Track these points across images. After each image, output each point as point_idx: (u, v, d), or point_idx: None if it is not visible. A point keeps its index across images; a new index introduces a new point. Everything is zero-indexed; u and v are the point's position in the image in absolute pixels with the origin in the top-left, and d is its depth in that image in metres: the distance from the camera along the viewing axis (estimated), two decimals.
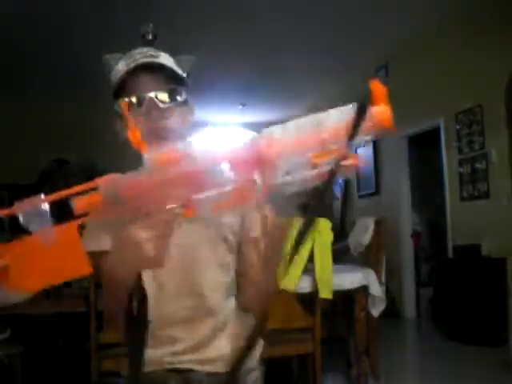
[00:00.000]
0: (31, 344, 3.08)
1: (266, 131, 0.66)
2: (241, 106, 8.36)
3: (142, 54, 1.08)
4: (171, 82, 1.09)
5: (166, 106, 1.07)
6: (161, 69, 1.07)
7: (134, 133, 0.89)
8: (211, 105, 8.25)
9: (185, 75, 1.14)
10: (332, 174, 0.66)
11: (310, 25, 5.30)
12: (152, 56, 1.09)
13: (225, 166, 0.66)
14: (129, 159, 1.10)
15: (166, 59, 1.12)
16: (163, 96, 1.06)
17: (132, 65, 1.06)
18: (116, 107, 1.08)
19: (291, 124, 0.65)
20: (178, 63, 1.15)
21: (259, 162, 0.66)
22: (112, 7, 4.69)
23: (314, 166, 0.66)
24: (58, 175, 7.14)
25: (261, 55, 6.09)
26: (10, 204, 0.71)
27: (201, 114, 8.86)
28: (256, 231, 1.14)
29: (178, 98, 1.09)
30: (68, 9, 4.70)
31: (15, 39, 5.30)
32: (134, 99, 1.05)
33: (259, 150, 0.66)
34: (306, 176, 0.67)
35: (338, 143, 0.65)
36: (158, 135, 1.05)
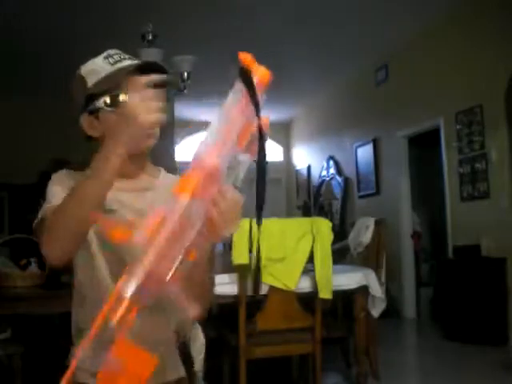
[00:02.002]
0: (31, 344, 3.08)
1: (201, 144, 0.72)
2: None
3: (122, 55, 1.10)
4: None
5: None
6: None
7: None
8: (211, 105, 8.25)
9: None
10: (260, 137, 0.77)
11: (310, 25, 5.30)
12: (131, 59, 1.10)
13: (184, 197, 0.69)
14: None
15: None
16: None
17: (122, 65, 1.07)
18: (100, 103, 1.06)
19: (212, 127, 0.73)
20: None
21: (211, 176, 0.71)
22: (112, 7, 4.69)
23: (244, 149, 0.75)
24: None
25: (261, 55, 6.07)
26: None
27: (201, 114, 8.87)
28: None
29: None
30: (68, 9, 4.70)
31: (15, 39, 5.30)
32: (125, 96, 1.03)
33: (206, 165, 0.70)
34: (244, 160, 0.76)
35: (249, 117, 0.74)
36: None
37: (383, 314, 3.30)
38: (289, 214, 9.36)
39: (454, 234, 5.16)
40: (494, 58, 4.52)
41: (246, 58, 0.77)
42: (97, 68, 1.09)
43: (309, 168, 8.99)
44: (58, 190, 1.08)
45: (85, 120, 1.12)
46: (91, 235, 1.08)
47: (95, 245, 1.09)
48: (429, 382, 3.63)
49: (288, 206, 9.85)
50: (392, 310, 5.31)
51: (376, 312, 3.23)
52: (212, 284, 1.17)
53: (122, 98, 1.03)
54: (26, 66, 6.07)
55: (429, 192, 6.19)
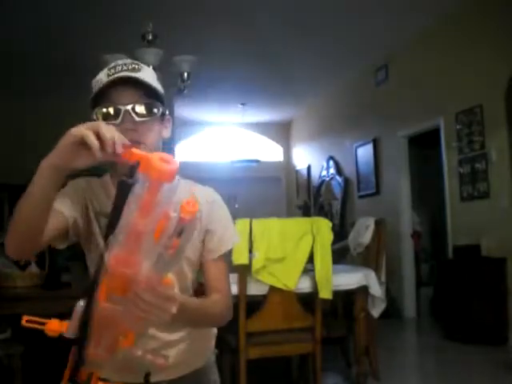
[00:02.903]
0: (31, 344, 3.08)
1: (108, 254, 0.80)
2: (241, 106, 8.37)
3: (125, 66, 1.11)
4: (149, 96, 1.10)
5: (142, 119, 1.09)
6: (140, 83, 1.09)
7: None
8: (211, 105, 8.26)
9: (162, 91, 1.15)
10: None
11: (310, 25, 5.30)
12: (134, 69, 1.10)
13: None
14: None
15: (148, 73, 1.13)
16: (140, 109, 1.08)
17: (112, 77, 1.08)
18: (93, 116, 1.09)
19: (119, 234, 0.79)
20: (159, 79, 1.17)
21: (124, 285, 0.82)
22: (112, 7, 4.69)
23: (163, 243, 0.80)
24: None
25: (261, 55, 6.09)
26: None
27: (201, 114, 8.87)
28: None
29: (155, 112, 1.11)
30: (68, 9, 4.70)
31: (15, 39, 5.30)
32: (111, 110, 1.08)
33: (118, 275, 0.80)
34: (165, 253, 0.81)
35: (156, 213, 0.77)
36: None
37: (383, 314, 3.30)
38: (289, 214, 9.36)
39: (454, 234, 5.15)
40: (494, 57, 4.52)
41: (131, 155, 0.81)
42: (98, 79, 1.11)
43: (309, 168, 8.99)
44: (60, 194, 1.12)
45: None
46: (99, 238, 1.13)
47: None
48: (429, 382, 3.63)
49: (288, 206, 9.86)
50: (392, 310, 5.31)
51: (376, 312, 3.23)
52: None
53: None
54: (26, 66, 6.07)
55: (429, 192, 6.19)
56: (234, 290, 2.68)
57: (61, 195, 1.09)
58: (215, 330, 1.34)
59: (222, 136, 9.75)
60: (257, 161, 8.69)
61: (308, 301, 2.87)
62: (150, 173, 0.74)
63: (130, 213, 0.76)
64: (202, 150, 9.67)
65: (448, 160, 5.22)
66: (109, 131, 0.87)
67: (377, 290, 3.13)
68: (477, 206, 4.79)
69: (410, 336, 5.51)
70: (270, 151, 10.03)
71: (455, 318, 4.56)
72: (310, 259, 2.85)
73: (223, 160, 9.31)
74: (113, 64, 1.12)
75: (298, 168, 9.51)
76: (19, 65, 6.04)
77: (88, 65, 5.10)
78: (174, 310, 0.85)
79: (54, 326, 0.94)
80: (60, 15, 4.81)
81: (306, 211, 8.74)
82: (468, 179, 4.88)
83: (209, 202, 1.21)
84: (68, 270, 3.22)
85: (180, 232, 0.80)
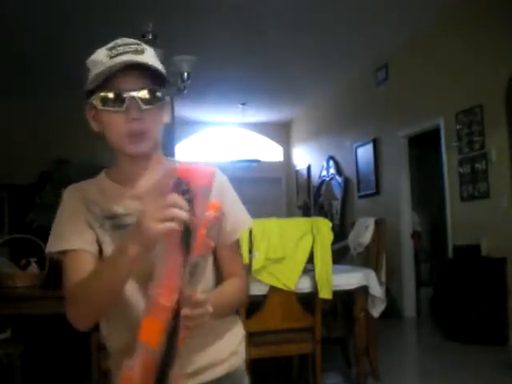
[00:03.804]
0: (31, 344, 3.08)
1: (152, 288, 0.87)
2: (241, 106, 8.36)
3: (127, 47, 1.02)
4: (154, 82, 1.03)
5: (148, 107, 1.02)
6: (145, 67, 1.01)
7: (115, 130, 1.02)
8: (211, 105, 8.26)
9: (165, 73, 1.06)
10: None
11: (310, 25, 5.30)
12: (137, 51, 1.02)
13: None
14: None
15: (150, 55, 1.05)
16: (145, 97, 1.01)
17: (115, 60, 0.99)
18: (91, 100, 1.03)
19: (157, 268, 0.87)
20: (161, 58, 1.10)
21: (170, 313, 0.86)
22: (112, 7, 4.69)
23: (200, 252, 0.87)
24: (58, 175, 7.15)
25: (261, 55, 6.09)
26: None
27: (201, 113, 8.87)
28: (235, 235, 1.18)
29: (160, 98, 1.04)
30: (68, 9, 4.70)
31: (15, 39, 5.30)
32: (113, 96, 1.00)
33: (163, 307, 0.85)
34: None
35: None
36: (133, 135, 1.02)
37: (383, 314, 3.30)
38: (289, 214, 9.36)
39: (454, 234, 5.15)
40: (494, 57, 4.52)
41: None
42: (97, 60, 1.02)
43: (309, 168, 8.99)
44: (63, 221, 1.08)
45: (87, 112, 1.07)
46: (109, 246, 1.09)
47: None
48: (429, 382, 3.63)
49: (288, 206, 9.85)
50: (392, 310, 5.31)
51: (376, 312, 3.23)
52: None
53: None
54: (26, 66, 6.07)
55: (429, 192, 6.18)
56: None
57: (70, 230, 1.05)
58: (240, 331, 1.22)
59: (222, 136, 9.75)
60: (257, 161, 8.69)
61: (308, 301, 2.87)
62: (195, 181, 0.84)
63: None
64: (202, 150, 9.67)
65: (448, 160, 5.22)
66: (176, 201, 0.84)
67: (377, 290, 3.13)
68: (477, 206, 4.79)
69: (410, 336, 5.51)
70: (269, 151, 10.02)
71: (455, 317, 4.56)
72: (310, 259, 2.85)
73: (223, 160, 9.31)
74: (112, 44, 1.04)
75: (298, 168, 9.50)
76: (19, 65, 6.04)
77: (88, 65, 5.06)
78: (210, 309, 0.89)
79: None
80: (60, 15, 4.81)
81: (306, 211, 8.74)
82: (468, 179, 4.88)
83: (219, 185, 1.09)
84: None
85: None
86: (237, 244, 1.19)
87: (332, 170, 7.93)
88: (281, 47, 5.89)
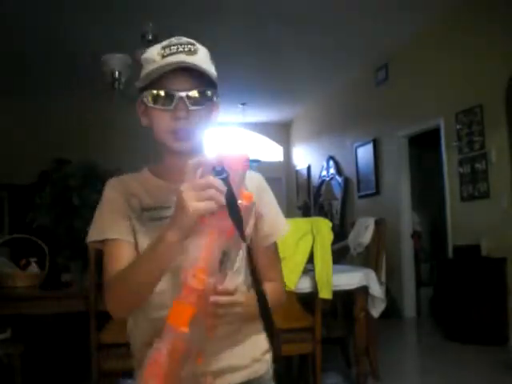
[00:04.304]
0: (31, 344, 3.08)
1: (184, 270, 0.85)
2: (241, 106, 8.36)
3: (181, 47, 1.05)
4: (204, 83, 1.05)
5: (196, 108, 1.04)
6: (197, 70, 1.03)
7: (162, 127, 1.05)
8: None
9: (216, 75, 1.09)
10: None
11: (310, 25, 5.30)
12: (190, 51, 1.05)
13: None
14: (129, 159, 1.10)
15: (203, 55, 1.08)
16: (194, 97, 1.03)
17: (167, 59, 1.02)
18: (142, 97, 1.06)
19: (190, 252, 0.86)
20: (212, 58, 1.11)
21: (202, 298, 0.85)
22: (112, 7, 4.69)
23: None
24: (58, 175, 7.14)
25: (261, 55, 6.09)
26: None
27: None
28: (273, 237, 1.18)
29: (208, 99, 1.06)
30: (68, 9, 4.70)
31: (15, 39, 5.30)
32: (164, 94, 1.03)
33: (195, 291, 0.83)
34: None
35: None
36: (178, 134, 1.04)
37: (383, 314, 3.30)
38: (289, 214, 9.29)
39: (454, 234, 5.15)
40: (494, 57, 4.52)
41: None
42: (150, 58, 1.05)
43: (309, 168, 8.99)
44: (102, 212, 1.10)
45: (137, 107, 1.11)
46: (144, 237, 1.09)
47: None
48: (429, 382, 3.63)
49: (288, 206, 9.85)
50: (392, 310, 5.31)
51: (376, 312, 3.23)
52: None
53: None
54: (26, 66, 6.07)
55: (429, 192, 6.18)
56: None
57: (109, 220, 1.08)
58: (265, 343, 1.17)
59: (222, 136, 9.74)
60: (257, 161, 8.69)
61: (308, 301, 2.87)
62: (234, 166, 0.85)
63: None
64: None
65: (448, 160, 5.22)
66: (213, 182, 0.85)
67: (377, 290, 3.13)
68: (477, 206, 4.79)
69: (409, 336, 5.51)
70: (270, 151, 10.02)
71: (455, 317, 4.56)
72: (310, 259, 2.85)
73: None
74: (166, 42, 1.06)
75: (298, 168, 9.50)
76: (19, 65, 6.04)
77: (88, 65, 5.14)
78: (242, 298, 0.89)
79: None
80: (60, 15, 4.81)
81: (306, 211, 8.74)
82: (468, 179, 4.88)
83: (257, 186, 1.15)
84: (68, 269, 3.22)
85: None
86: (275, 247, 1.20)
87: (332, 170, 7.93)
88: (281, 47, 5.89)
